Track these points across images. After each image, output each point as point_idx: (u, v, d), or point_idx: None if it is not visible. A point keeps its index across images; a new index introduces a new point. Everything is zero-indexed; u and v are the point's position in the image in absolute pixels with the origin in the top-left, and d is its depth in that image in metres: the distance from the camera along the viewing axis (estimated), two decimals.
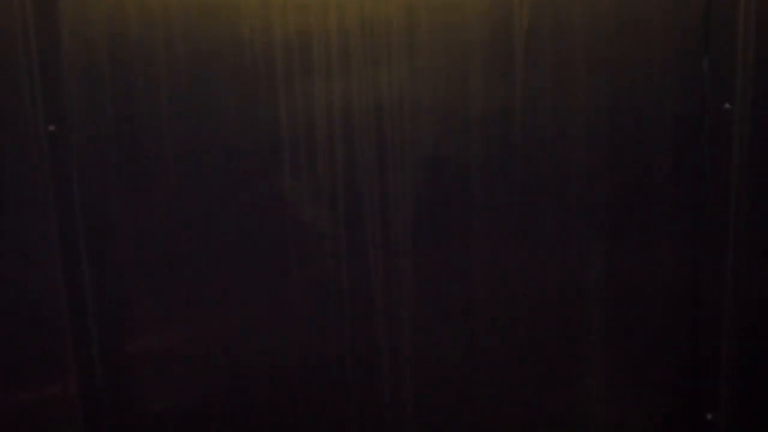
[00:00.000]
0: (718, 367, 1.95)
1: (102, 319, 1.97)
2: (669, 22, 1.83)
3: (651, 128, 1.88)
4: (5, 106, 1.85)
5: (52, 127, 1.85)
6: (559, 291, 1.96)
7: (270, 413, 2.03)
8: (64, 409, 1.98)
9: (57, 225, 1.90)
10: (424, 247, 1.95)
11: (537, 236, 1.94)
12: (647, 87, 1.86)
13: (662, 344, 1.98)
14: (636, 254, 1.94)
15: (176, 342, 2.00)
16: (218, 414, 2.04)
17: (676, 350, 1.98)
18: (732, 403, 1.96)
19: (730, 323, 1.93)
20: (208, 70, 1.88)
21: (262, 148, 1.91)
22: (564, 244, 1.94)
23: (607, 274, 1.95)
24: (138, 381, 2.02)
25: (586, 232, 1.93)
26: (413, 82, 1.87)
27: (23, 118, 1.85)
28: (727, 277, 1.91)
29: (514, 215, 1.93)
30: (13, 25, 1.82)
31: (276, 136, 1.90)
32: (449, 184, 1.92)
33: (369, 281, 1.95)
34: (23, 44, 1.83)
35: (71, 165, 1.89)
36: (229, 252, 1.95)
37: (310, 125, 1.90)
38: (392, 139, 1.90)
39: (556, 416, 2.03)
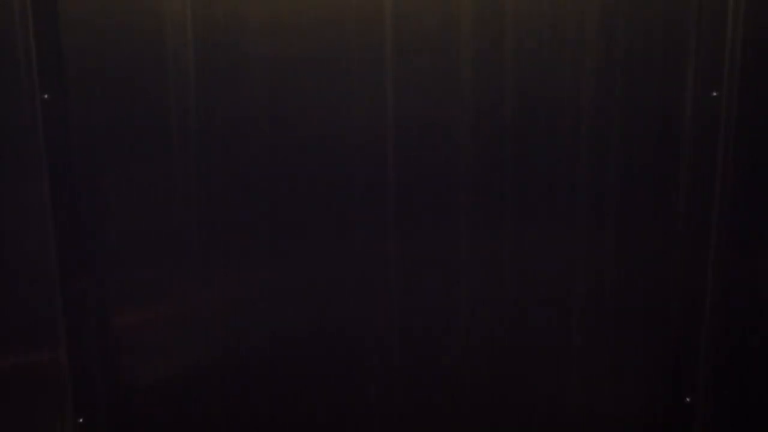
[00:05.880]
0: (697, 352, 1.98)
1: (94, 285, 1.99)
2: (659, 10, 1.85)
3: (637, 116, 1.89)
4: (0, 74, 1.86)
5: (46, 96, 1.87)
6: (548, 282, 1.99)
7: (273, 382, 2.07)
8: (53, 375, 2.00)
9: (50, 192, 1.91)
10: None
11: (531, 231, 1.97)
12: (634, 75, 1.87)
13: (644, 331, 2.01)
14: (620, 243, 1.97)
15: (167, 310, 2.03)
16: (213, 381, 2.07)
17: (657, 336, 2.00)
18: (709, 387, 2.00)
19: (710, 311, 1.96)
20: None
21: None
22: (552, 236, 1.97)
23: (593, 264, 1.98)
24: (128, 349, 2.04)
25: (571, 221, 1.96)
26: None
27: (18, 85, 1.86)
28: (709, 265, 1.94)
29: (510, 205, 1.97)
30: None
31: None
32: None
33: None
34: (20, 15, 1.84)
35: (66, 132, 1.90)
36: (223, 222, 1.98)
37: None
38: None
39: (538, 400, 2.06)
